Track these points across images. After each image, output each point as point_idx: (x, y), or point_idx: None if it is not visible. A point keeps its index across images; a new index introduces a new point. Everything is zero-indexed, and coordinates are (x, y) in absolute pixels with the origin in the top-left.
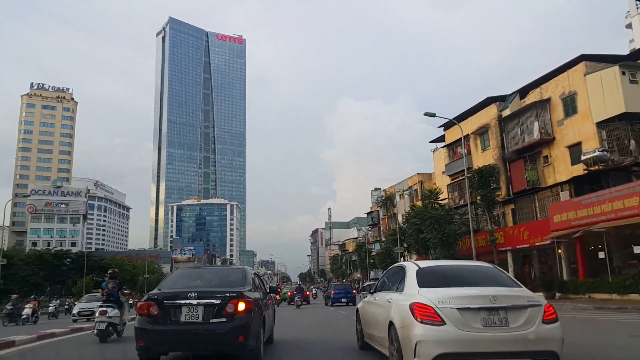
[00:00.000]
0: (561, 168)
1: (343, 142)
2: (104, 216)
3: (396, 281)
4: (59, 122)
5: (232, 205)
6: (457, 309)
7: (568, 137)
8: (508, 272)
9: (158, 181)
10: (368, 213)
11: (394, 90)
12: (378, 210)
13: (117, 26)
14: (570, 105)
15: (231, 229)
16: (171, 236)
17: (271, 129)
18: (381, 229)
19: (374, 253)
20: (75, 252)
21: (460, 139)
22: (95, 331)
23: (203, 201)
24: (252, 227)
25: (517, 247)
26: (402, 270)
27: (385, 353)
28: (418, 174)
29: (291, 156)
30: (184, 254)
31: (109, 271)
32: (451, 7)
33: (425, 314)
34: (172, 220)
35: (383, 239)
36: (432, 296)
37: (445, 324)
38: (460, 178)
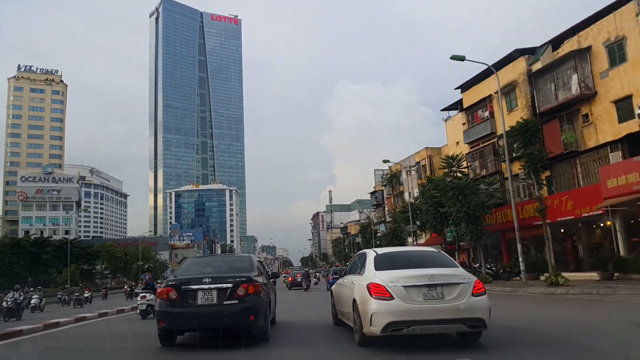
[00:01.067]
0: (605, 127)
1: (342, 126)
2: (101, 204)
3: (359, 266)
4: (49, 106)
5: (231, 191)
6: (403, 286)
7: (614, 91)
8: (546, 248)
9: (155, 168)
10: (372, 193)
11: (392, 72)
12: (382, 190)
13: (108, 8)
14: (617, 52)
15: (231, 215)
16: (170, 223)
17: (268, 115)
18: (386, 209)
19: (379, 234)
20: (59, 239)
21: (483, 100)
22: (138, 311)
23: (201, 187)
24: (252, 212)
25: (558, 219)
26: (364, 256)
27: (352, 325)
28: (426, 148)
29: (290, 141)
30: (183, 240)
31: (146, 266)
32: None
33: (378, 291)
34: (170, 207)
35: (389, 219)
36: (384, 277)
37: (393, 298)
38: (482, 145)
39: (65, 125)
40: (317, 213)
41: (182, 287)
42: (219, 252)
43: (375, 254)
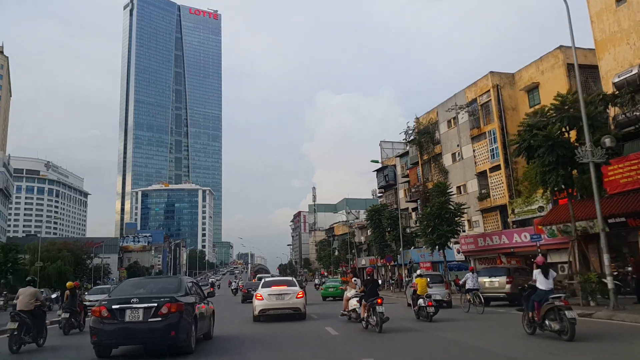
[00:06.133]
0: None
1: (323, 135)
2: (55, 201)
3: (257, 285)
4: None
5: (204, 191)
6: (268, 294)
7: None
8: None
9: (124, 167)
10: (378, 170)
11: (373, 83)
12: (394, 165)
13: (80, 3)
14: None
15: (203, 217)
16: (136, 226)
17: (247, 121)
18: (397, 192)
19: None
20: None
21: None
22: None
23: (172, 186)
24: (232, 220)
25: None
26: (260, 281)
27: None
28: (491, 73)
29: (269, 149)
30: (138, 242)
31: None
32: (427, 1)
33: (257, 297)
34: (136, 208)
35: (406, 202)
36: (262, 291)
37: (263, 300)
38: None
39: (10, 105)
40: (299, 213)
41: (112, 306)
42: (185, 257)
43: (264, 281)
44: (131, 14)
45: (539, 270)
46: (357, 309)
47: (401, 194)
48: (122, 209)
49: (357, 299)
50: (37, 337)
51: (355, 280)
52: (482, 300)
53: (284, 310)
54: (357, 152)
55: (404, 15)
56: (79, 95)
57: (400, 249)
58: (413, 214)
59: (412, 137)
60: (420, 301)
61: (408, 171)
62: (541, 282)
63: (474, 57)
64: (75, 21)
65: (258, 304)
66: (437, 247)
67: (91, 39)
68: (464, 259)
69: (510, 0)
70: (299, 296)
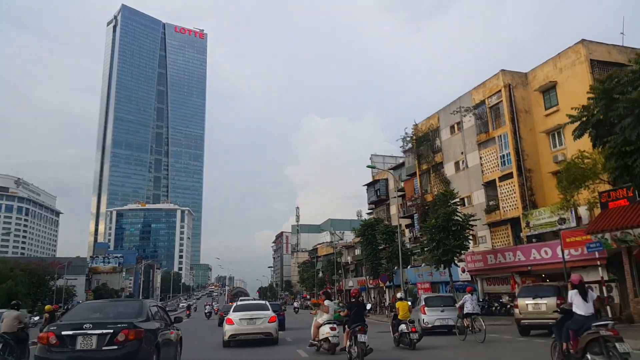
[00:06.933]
0: None
1: (308, 158)
2: (25, 219)
3: (229, 309)
4: None
5: (183, 212)
6: (239, 319)
7: None
8: None
9: (100, 187)
10: (368, 185)
11: (358, 108)
12: (386, 179)
13: (62, 19)
14: None
15: (181, 238)
16: (108, 246)
17: (232, 143)
18: (390, 206)
19: (382, 246)
20: None
21: None
22: None
23: (149, 206)
24: (212, 242)
25: None
26: (233, 305)
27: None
28: (503, 71)
29: (253, 171)
30: (108, 262)
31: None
32: (412, 30)
33: (229, 321)
34: (110, 228)
35: (401, 216)
36: (233, 315)
37: (234, 324)
38: None
39: None
40: (281, 234)
41: (62, 332)
42: (158, 279)
43: (235, 305)
44: (114, 31)
45: (575, 290)
46: (329, 338)
47: (393, 209)
48: (96, 230)
49: (330, 326)
50: (20, 358)
51: (341, 305)
52: (484, 327)
53: (255, 335)
54: (341, 176)
55: (389, 42)
56: (56, 112)
57: (396, 268)
58: (406, 230)
59: (409, 146)
60: (403, 327)
61: (404, 183)
62: (579, 306)
63: (458, 84)
64: (55, 37)
65: (228, 329)
66: (442, 264)
67: (71, 55)
68: (469, 278)
69: (493, 30)
70: (271, 321)
